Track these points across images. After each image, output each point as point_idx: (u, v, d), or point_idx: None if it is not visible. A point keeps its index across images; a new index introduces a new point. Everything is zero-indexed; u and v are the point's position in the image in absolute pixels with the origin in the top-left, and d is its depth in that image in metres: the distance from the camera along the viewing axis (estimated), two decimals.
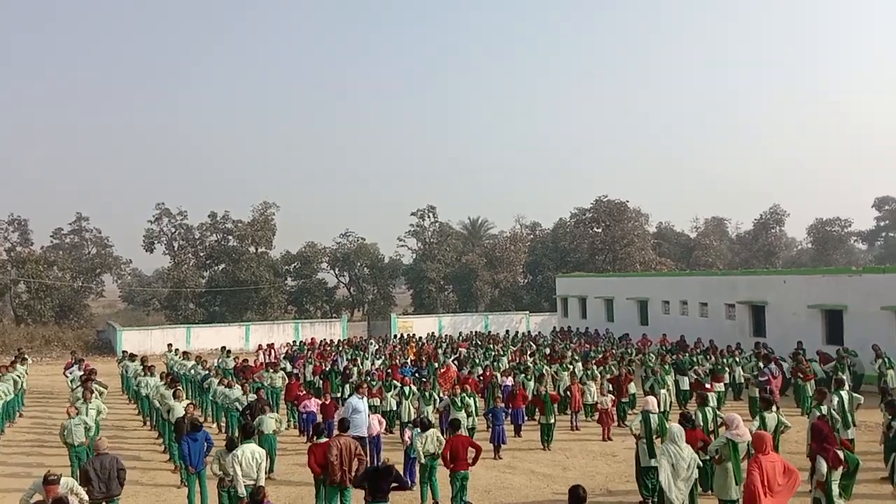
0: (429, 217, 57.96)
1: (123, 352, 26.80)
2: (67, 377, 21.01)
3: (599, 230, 55.64)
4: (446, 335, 37.42)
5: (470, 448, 10.96)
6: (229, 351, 26.58)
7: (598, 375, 19.44)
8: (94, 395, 14.88)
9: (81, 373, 20.24)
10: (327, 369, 22.80)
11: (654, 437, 11.14)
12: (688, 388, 19.97)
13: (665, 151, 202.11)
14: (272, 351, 28.96)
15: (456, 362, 23.43)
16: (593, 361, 22.16)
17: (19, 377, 20.38)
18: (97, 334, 46.08)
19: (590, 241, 55.51)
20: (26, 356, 24.87)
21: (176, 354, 25.03)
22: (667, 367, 19.80)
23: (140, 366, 20.59)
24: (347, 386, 20.06)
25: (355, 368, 21.47)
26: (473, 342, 31.24)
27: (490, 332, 40.48)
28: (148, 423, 19.05)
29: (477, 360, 23.10)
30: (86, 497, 9.16)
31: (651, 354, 24.28)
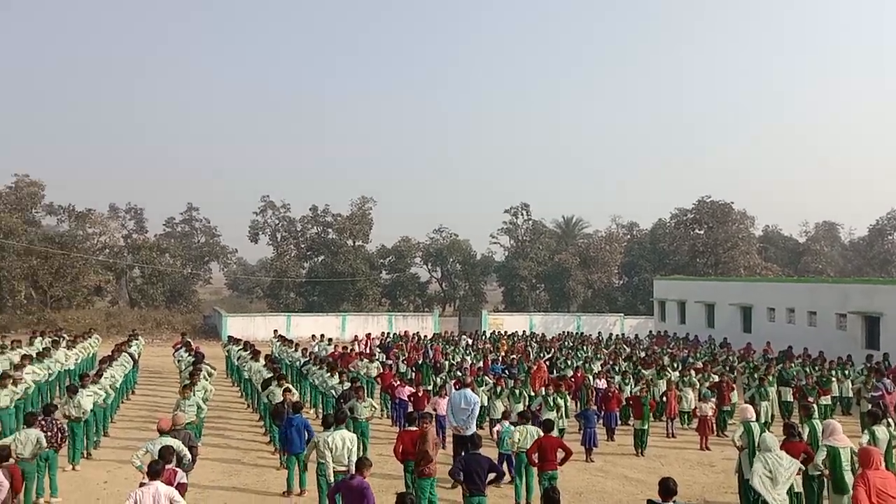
0: (522, 215, 57.68)
1: (230, 337, 28.01)
2: (175, 358, 22.16)
3: (701, 232, 53.74)
4: (541, 333, 37.18)
5: (560, 449, 10.81)
6: (330, 339, 27.28)
7: (696, 382, 18.82)
8: (201, 377, 15.65)
9: (189, 356, 21.26)
10: (419, 361, 23.16)
11: (756, 446, 10.70)
12: (790, 399, 19.09)
13: (771, 152, 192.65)
14: (368, 341, 29.55)
15: (548, 362, 23.25)
16: (692, 368, 21.47)
17: (137, 350, 22.70)
18: (204, 319, 48.49)
19: (691, 244, 53.68)
20: (139, 335, 26.69)
21: (278, 340, 25.93)
22: (771, 378, 18.97)
23: (244, 350, 21.46)
24: (438, 378, 20.31)
25: (447, 361, 21.65)
26: (564, 343, 30.85)
27: (582, 333, 39.90)
28: (250, 405, 19.85)
29: (569, 362, 22.81)
30: (189, 456, 9.76)
31: (754, 363, 23.26)
